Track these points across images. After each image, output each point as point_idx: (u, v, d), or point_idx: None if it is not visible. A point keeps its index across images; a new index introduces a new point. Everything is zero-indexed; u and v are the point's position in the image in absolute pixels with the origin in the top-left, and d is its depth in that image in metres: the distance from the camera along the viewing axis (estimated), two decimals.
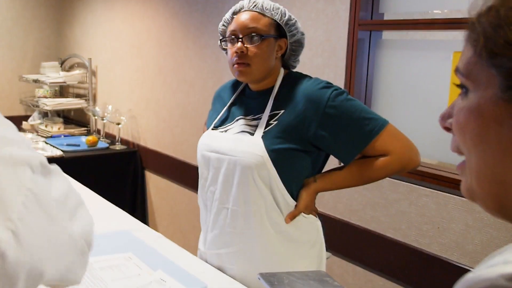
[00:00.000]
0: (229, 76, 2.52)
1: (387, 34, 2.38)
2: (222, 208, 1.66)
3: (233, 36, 1.63)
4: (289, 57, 1.72)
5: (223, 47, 1.73)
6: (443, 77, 2.08)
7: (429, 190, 2.07)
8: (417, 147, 1.61)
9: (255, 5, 1.62)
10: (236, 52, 1.60)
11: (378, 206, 2.29)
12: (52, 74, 4.83)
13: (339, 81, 2.41)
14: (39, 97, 4.88)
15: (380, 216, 2.28)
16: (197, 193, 1.81)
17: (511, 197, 0.56)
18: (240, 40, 1.61)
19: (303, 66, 2.55)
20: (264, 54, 1.61)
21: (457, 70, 0.61)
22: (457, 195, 2.01)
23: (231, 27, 1.64)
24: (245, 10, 1.63)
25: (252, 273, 1.51)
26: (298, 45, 1.70)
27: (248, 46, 1.60)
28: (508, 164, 0.55)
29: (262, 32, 1.61)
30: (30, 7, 5.22)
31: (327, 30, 2.49)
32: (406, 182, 2.16)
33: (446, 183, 2.04)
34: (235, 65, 1.62)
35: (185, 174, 3.67)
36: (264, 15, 1.62)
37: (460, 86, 0.61)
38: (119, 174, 4.10)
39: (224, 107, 1.77)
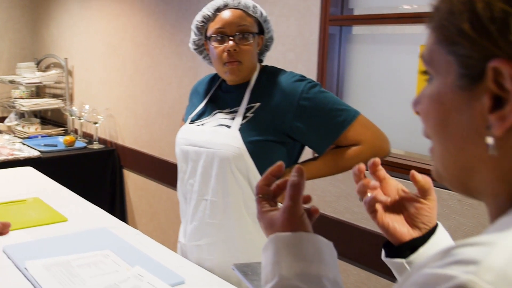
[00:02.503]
0: (204, 72, 2.54)
1: (357, 29, 2.42)
2: (201, 200, 1.69)
3: (221, 35, 1.65)
4: (262, 52, 1.77)
5: (196, 47, 1.76)
6: (411, 69, 2.13)
7: (399, 179, 2.11)
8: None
9: (239, 3, 1.65)
10: (228, 51, 1.62)
11: (351, 197, 2.33)
12: (28, 75, 4.80)
13: (312, 75, 2.45)
14: (15, 98, 4.84)
15: (353, 206, 2.33)
16: (175, 190, 1.83)
17: (474, 181, 0.58)
18: (231, 38, 1.63)
19: (276, 61, 2.59)
20: (254, 51, 1.67)
21: (421, 57, 0.61)
22: None
23: (216, 24, 1.65)
24: (229, 8, 1.65)
25: (231, 263, 1.55)
26: (271, 41, 1.77)
27: (239, 44, 1.63)
28: (468, 151, 0.56)
29: (252, 30, 1.65)
30: (5, 8, 5.18)
31: (299, 25, 2.53)
32: None
33: None
34: (227, 64, 1.64)
35: (163, 172, 3.68)
36: (248, 13, 1.65)
37: (426, 72, 0.61)
38: (97, 173, 4.09)
39: (201, 102, 1.80)
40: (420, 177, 0.91)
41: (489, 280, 0.43)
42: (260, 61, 1.79)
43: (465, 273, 0.44)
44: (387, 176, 0.96)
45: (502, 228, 0.50)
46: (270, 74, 1.70)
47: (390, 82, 2.27)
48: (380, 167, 0.97)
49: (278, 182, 0.92)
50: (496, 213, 0.56)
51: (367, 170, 0.96)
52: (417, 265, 0.52)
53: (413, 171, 0.92)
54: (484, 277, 0.43)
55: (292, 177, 0.85)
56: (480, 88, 0.53)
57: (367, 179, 0.94)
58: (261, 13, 1.69)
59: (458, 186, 0.61)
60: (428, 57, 0.59)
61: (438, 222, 0.92)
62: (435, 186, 1.96)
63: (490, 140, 0.53)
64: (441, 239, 0.89)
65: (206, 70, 2.14)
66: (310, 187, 2.49)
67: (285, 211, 0.84)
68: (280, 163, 0.93)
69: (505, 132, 0.52)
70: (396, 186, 0.95)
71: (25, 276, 1.55)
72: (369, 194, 0.94)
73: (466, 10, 0.53)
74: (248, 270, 1.35)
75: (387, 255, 0.91)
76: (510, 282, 0.43)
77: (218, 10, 1.66)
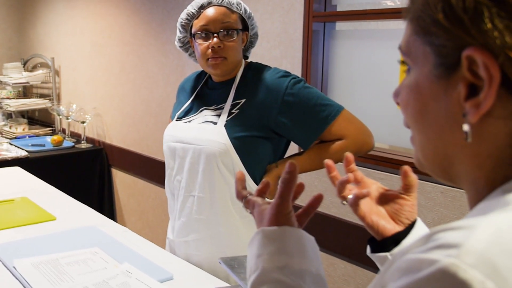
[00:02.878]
0: (191, 70, 2.55)
1: (340, 25, 2.44)
2: (188, 196, 1.71)
3: (205, 32, 1.66)
4: (247, 48, 1.79)
5: (181, 44, 1.78)
6: (394, 64, 2.15)
7: (384, 173, 2.15)
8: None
9: (222, 0, 1.66)
10: (212, 47, 1.64)
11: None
12: (15, 75, 4.78)
13: (296, 71, 2.47)
14: (2, 98, 4.82)
15: (339, 201, 2.35)
16: (163, 187, 1.85)
17: (454, 168, 0.59)
18: (216, 35, 1.64)
19: (261, 57, 2.61)
20: (238, 47, 1.68)
21: (399, 48, 0.63)
22: None
23: (201, 22, 1.66)
24: (213, 5, 1.66)
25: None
26: (256, 37, 1.79)
27: (223, 40, 1.64)
28: (446, 139, 0.58)
29: (236, 26, 1.66)
30: None
31: (284, 22, 2.55)
32: (362, 166, 2.23)
33: (399, 166, 2.11)
34: (210, 59, 1.66)
35: (151, 170, 3.69)
36: (231, 10, 1.66)
37: (404, 63, 0.63)
38: (85, 172, 4.09)
39: (188, 99, 1.82)
40: (412, 173, 0.95)
41: (470, 263, 0.44)
42: (246, 57, 1.81)
43: (447, 257, 0.45)
44: (364, 176, 1.00)
45: (482, 212, 0.51)
46: (255, 70, 1.71)
47: (374, 77, 2.29)
48: (354, 166, 1.00)
49: (259, 187, 0.96)
50: (476, 199, 0.57)
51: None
52: (400, 251, 0.53)
53: (406, 167, 0.95)
54: (465, 260, 0.44)
55: (284, 174, 0.86)
56: (456, 77, 0.54)
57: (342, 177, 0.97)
58: (245, 10, 1.70)
59: (439, 173, 0.63)
60: (406, 48, 0.61)
61: (417, 217, 0.95)
62: (417, 178, 2.00)
63: (466, 127, 0.54)
64: (421, 232, 0.93)
65: (193, 67, 2.16)
66: None
67: (273, 208, 0.86)
68: (239, 171, 1.00)
69: (481, 119, 0.53)
70: (375, 185, 0.99)
71: (13, 275, 1.56)
72: (349, 196, 0.97)
73: (440, 0, 0.54)
74: (234, 264, 1.36)
75: (372, 251, 0.94)
76: (490, 264, 0.44)
77: (202, 7, 1.67)
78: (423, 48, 0.57)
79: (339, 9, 2.42)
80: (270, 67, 1.72)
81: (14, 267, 1.58)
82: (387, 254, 0.91)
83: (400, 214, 0.93)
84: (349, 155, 1.00)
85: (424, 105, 0.59)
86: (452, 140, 0.57)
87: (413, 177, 0.94)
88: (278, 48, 2.59)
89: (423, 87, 0.58)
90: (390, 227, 0.93)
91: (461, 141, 0.56)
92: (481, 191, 0.57)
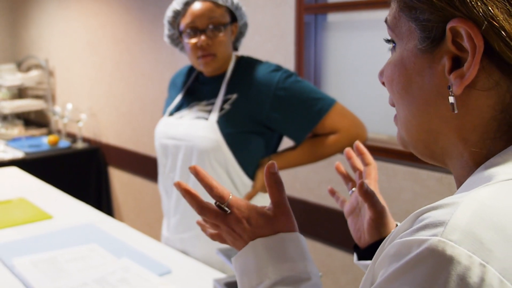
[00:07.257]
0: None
1: (332, 17, 2.44)
2: None
3: (193, 29, 1.64)
4: (237, 39, 1.77)
5: (170, 40, 1.77)
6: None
7: (379, 163, 2.16)
8: (365, 123, 1.69)
9: None
10: (201, 45, 1.62)
11: (333, 182, 2.36)
12: (9, 77, 4.78)
13: (289, 64, 2.48)
14: None
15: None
16: None
17: (438, 143, 0.60)
18: (204, 32, 1.62)
19: (254, 51, 2.62)
20: (228, 41, 1.66)
21: (386, 22, 0.63)
22: (404, 166, 2.10)
23: (187, 19, 1.63)
24: (198, 1, 1.63)
25: (215, 254, 1.56)
26: (245, 27, 1.75)
27: (212, 37, 1.62)
28: (431, 113, 0.58)
29: (223, 21, 1.64)
30: None
31: (275, 15, 2.55)
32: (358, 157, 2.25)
33: (394, 155, 2.13)
34: (200, 58, 1.64)
35: (148, 167, 3.69)
36: (217, 4, 1.64)
37: (389, 41, 0.64)
38: (82, 172, 4.09)
39: (178, 94, 1.81)
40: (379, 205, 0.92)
41: (454, 239, 0.44)
42: (235, 48, 1.78)
43: (433, 236, 0.45)
44: (372, 162, 1.00)
45: (466, 188, 0.52)
46: (246, 65, 1.70)
47: (367, 67, 2.30)
48: (363, 150, 1.00)
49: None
50: (462, 174, 0.58)
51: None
52: (388, 239, 0.54)
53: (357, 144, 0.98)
54: (450, 237, 0.45)
55: (269, 176, 0.83)
56: (440, 50, 0.55)
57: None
58: (232, 1, 1.66)
59: (422, 150, 0.63)
60: (392, 24, 0.62)
61: (397, 223, 0.94)
62: (413, 167, 2.00)
63: (452, 99, 0.55)
64: None
65: (186, 63, 2.16)
66: (292, 175, 2.52)
67: (286, 213, 0.82)
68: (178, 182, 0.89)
69: (465, 91, 0.54)
70: (375, 176, 0.98)
71: (13, 273, 1.57)
72: (353, 189, 0.98)
73: None
74: (232, 254, 1.37)
75: (358, 259, 0.94)
76: (474, 239, 0.44)
77: (187, 3, 1.64)
78: (408, 24, 0.58)
79: (330, 0, 2.42)
80: (261, 61, 1.71)
81: (13, 266, 1.58)
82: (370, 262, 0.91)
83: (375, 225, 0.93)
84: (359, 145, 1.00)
85: (408, 80, 0.59)
86: (436, 113, 0.58)
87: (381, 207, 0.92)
88: (270, 41, 2.59)
89: (408, 62, 0.59)
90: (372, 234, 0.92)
91: (446, 114, 0.57)
92: (466, 166, 0.58)
